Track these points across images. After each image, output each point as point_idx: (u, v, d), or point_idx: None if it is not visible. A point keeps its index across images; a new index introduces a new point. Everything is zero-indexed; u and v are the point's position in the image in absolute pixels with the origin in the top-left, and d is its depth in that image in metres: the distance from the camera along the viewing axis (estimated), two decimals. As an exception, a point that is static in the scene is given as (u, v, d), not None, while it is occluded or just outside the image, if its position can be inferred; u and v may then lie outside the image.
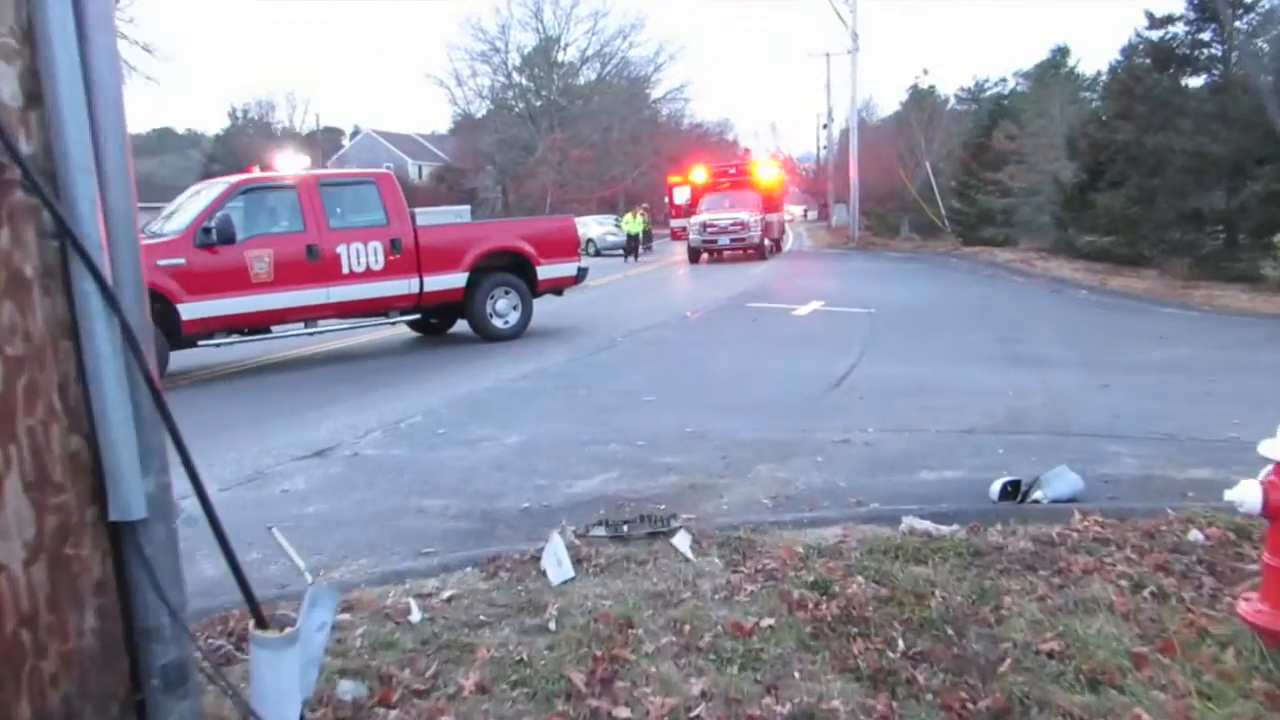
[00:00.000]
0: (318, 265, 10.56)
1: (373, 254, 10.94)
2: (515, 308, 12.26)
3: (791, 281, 20.85)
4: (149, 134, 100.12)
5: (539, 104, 62.05)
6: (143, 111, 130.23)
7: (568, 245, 12.75)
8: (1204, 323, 13.52)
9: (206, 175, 73.67)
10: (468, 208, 14.43)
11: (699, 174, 33.95)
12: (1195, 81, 21.41)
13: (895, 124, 47.80)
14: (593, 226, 37.39)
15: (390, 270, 11.08)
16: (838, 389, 8.43)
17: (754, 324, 13.32)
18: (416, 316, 11.72)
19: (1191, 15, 20.50)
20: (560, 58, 62.98)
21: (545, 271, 12.40)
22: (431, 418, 7.42)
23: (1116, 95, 23.49)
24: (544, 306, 13.08)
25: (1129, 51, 24.40)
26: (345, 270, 10.75)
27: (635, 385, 8.60)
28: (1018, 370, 9.38)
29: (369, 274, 10.92)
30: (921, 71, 49.87)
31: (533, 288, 12.41)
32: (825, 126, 69.13)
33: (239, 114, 74.98)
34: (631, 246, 33.31)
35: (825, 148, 71.90)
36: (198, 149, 76.84)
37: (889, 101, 66.88)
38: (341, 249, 10.73)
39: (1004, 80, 35.58)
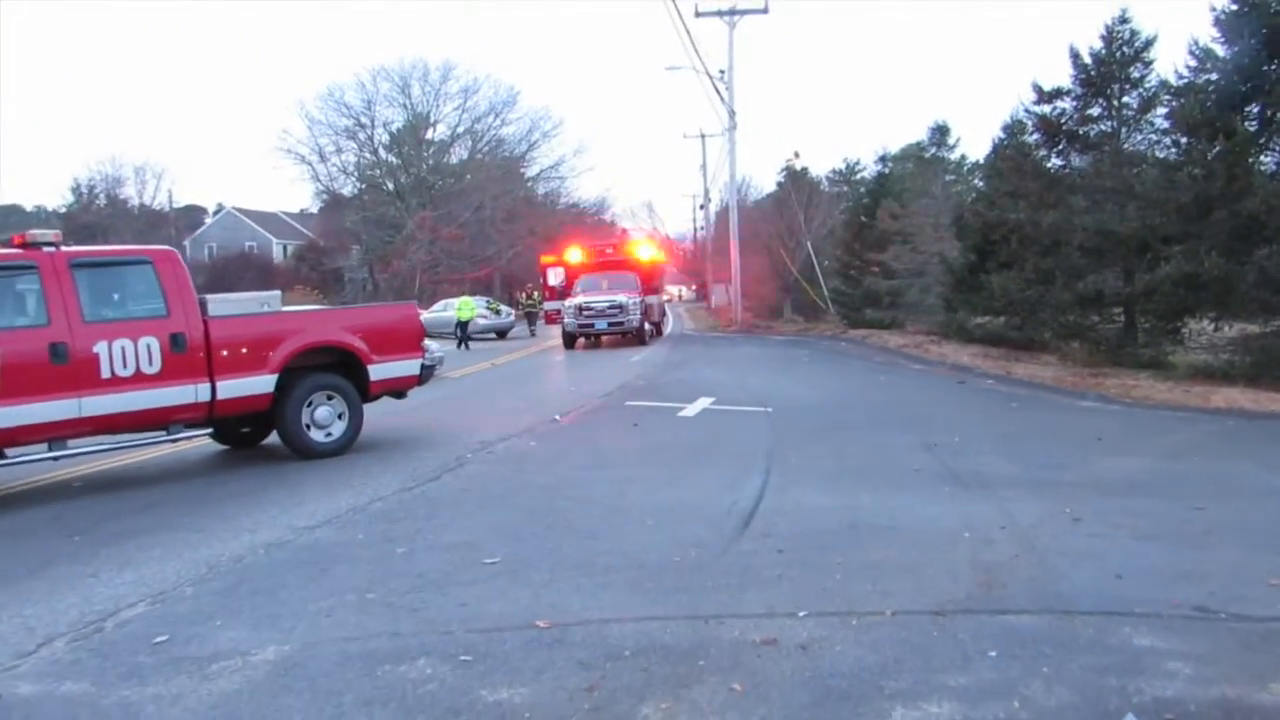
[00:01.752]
0: (66, 369, 8.07)
1: (145, 353, 8.50)
2: (341, 416, 9.91)
3: (676, 372, 18.93)
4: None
5: (407, 181, 59.74)
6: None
7: (408, 338, 10.49)
8: (1134, 420, 12.08)
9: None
10: (278, 293, 11.90)
11: (574, 254, 32.13)
12: (1083, 159, 20.69)
13: (773, 204, 47.21)
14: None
15: (170, 373, 8.64)
16: (747, 533, 6.37)
17: (635, 430, 11.25)
18: (207, 431, 9.23)
19: (1079, 90, 19.79)
20: (430, 135, 61.00)
21: (379, 371, 10.10)
22: (160, 607, 5.03)
23: (1004, 173, 22.69)
24: (386, 407, 10.79)
25: (1011, 128, 23.79)
26: (106, 374, 8.28)
27: (477, 534, 6.36)
28: (963, 494, 7.53)
29: (139, 379, 8.47)
30: (793, 154, 49.80)
31: (363, 392, 10.09)
32: (702, 207, 69.34)
33: (83, 189, 70.09)
34: (461, 334, 31.16)
35: (702, 228, 71.87)
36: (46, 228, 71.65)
37: (766, 182, 67.01)
38: (101, 347, 8.26)
39: (883, 159, 34.91)
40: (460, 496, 7.65)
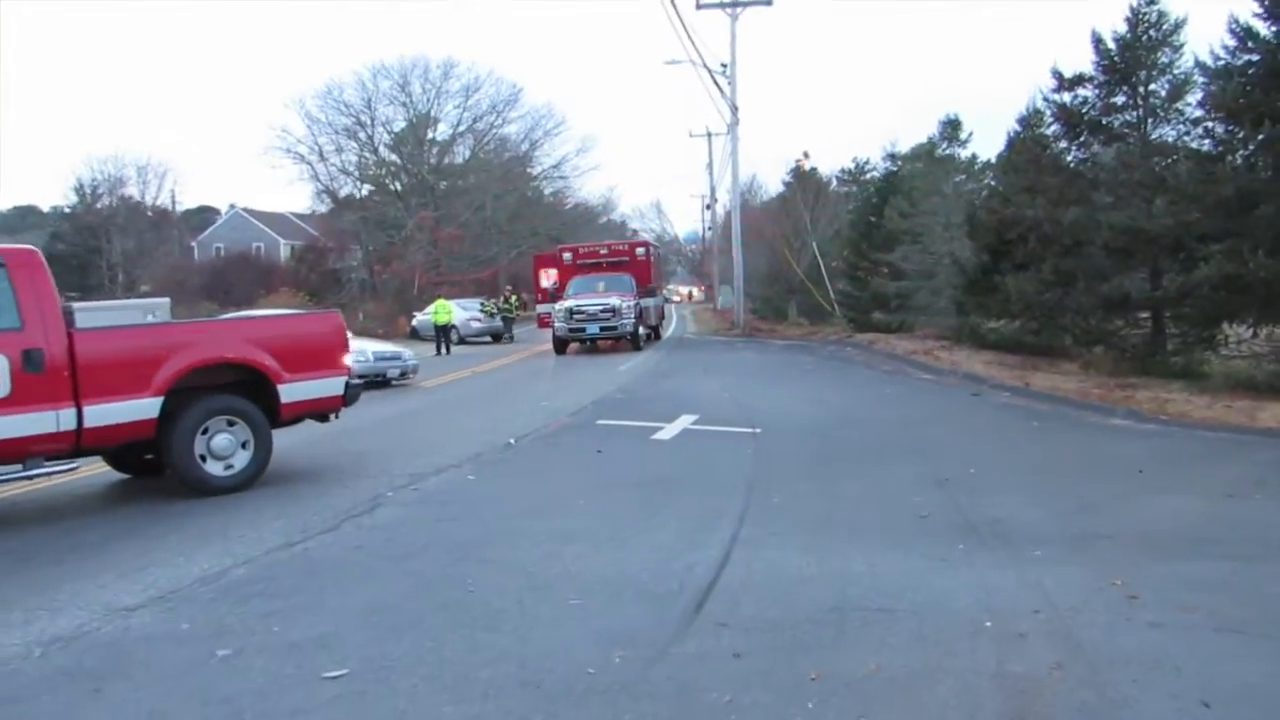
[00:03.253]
0: (-118, 395, 6.58)
1: (-11, 374, 7.02)
2: (245, 445, 8.40)
3: (663, 383, 17.37)
4: (10, 211, 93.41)
5: (408, 181, 58.35)
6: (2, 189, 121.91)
7: (329, 352, 8.97)
8: (1174, 444, 10.49)
9: (50, 255, 68.16)
10: (166, 300, 10.52)
11: (567, 254, 30.60)
12: (1106, 151, 19.05)
13: (780, 204, 45.51)
14: (457, 312, 33.65)
15: (22, 398, 7.16)
16: (698, 619, 4.83)
17: (596, 459, 9.69)
18: (73, 466, 7.70)
19: (1102, 77, 18.15)
20: (432, 134, 59.56)
21: (292, 392, 8.59)
22: None
23: (1019, 167, 21.05)
24: (323, 428, 9.35)
25: (1027, 120, 22.14)
26: (-64, 400, 6.80)
27: (342, 623, 4.84)
28: (981, 553, 5.98)
29: (-19, 405, 6.98)
30: (802, 154, 48.10)
31: (273, 416, 8.58)
32: (709, 206, 67.57)
33: (86, 189, 68.87)
34: (440, 339, 29.69)
35: (710, 228, 70.17)
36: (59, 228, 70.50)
37: (774, 182, 65.28)
38: (-71, 368, 6.78)
39: (892, 156, 33.22)
40: (349, 557, 6.11)
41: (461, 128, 59.79)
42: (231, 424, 8.31)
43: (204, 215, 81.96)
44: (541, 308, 30.36)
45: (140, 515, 7.52)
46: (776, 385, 16.64)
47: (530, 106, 64.48)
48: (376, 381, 18.13)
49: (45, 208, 76.74)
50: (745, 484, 8.26)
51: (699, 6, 33.69)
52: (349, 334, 20.66)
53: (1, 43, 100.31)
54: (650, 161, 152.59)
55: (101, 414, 7.53)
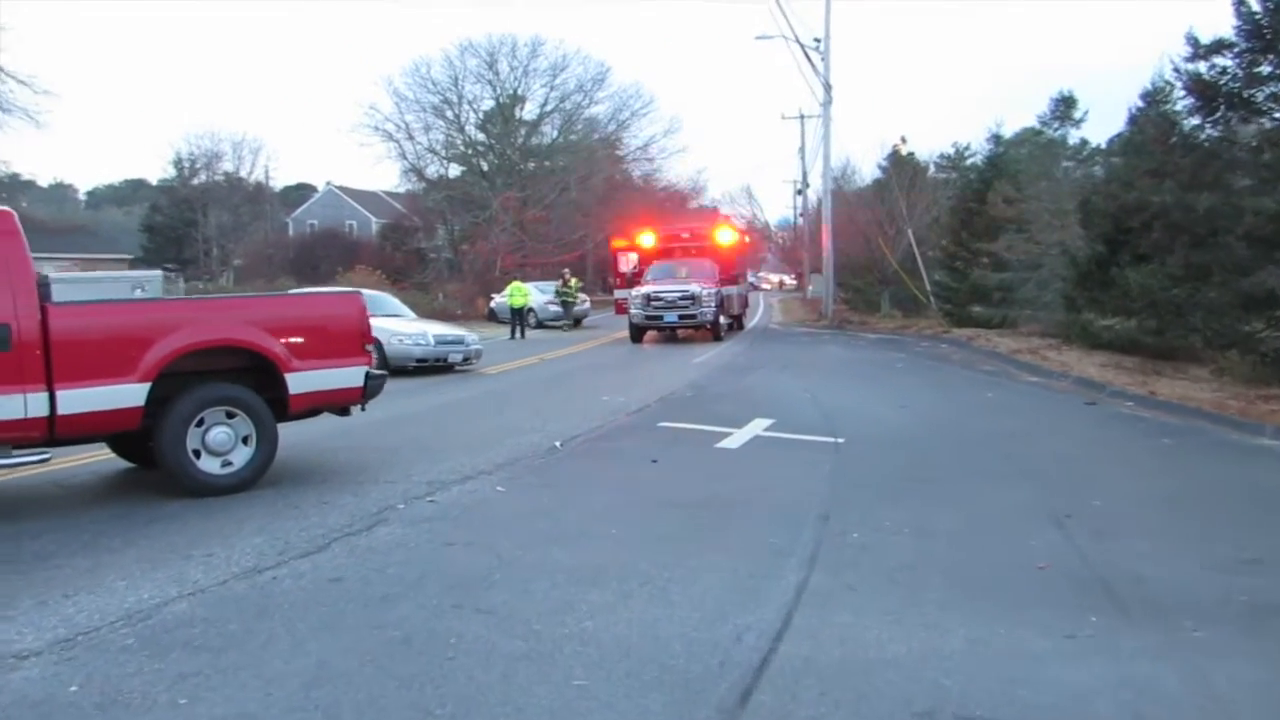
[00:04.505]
0: None
1: (-55, 353, 6.09)
2: (246, 440, 7.37)
3: (739, 379, 16.01)
4: (122, 184, 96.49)
5: (494, 161, 57.74)
6: (115, 161, 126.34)
7: (346, 338, 7.87)
8: (1343, 473, 8.80)
9: (149, 227, 69.62)
10: (158, 273, 9.70)
11: (647, 238, 29.35)
12: (1248, 129, 16.99)
13: (874, 189, 43.44)
14: (534, 295, 32.73)
15: (-17, 381, 6.22)
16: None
17: (649, 471, 8.42)
18: (44, 456, 6.74)
19: (1243, 44, 16.08)
20: (519, 113, 58.78)
21: (303, 381, 7.54)
22: None
23: (1143, 148, 19.05)
24: (358, 417, 8.35)
25: (1152, 95, 20.09)
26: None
27: (270, 699, 3.68)
28: (1123, 629, 4.58)
29: (-66, 388, 6.06)
30: (900, 139, 45.90)
31: (280, 408, 7.55)
32: (800, 192, 65.64)
33: (184, 163, 70.19)
34: (515, 323, 28.71)
35: (801, 214, 68.19)
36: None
37: (868, 166, 62.91)
38: None
39: (996, 138, 31.06)
40: (319, 595, 4.97)
41: (549, 107, 58.95)
42: (231, 416, 7.30)
43: (301, 192, 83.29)
44: (619, 293, 29.16)
45: (110, 521, 6.52)
46: (864, 385, 15.15)
47: (618, 86, 63.56)
48: (438, 366, 17.21)
49: (154, 181, 78.46)
50: (819, 510, 6.92)
51: (795, -21, 32.01)
52: (413, 314, 19.98)
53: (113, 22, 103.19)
54: (740, 145, 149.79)
55: (78, 399, 6.57)
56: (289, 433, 9.02)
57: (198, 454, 7.15)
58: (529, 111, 59.58)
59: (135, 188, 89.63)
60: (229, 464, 7.28)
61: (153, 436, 7.06)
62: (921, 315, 32.72)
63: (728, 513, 6.83)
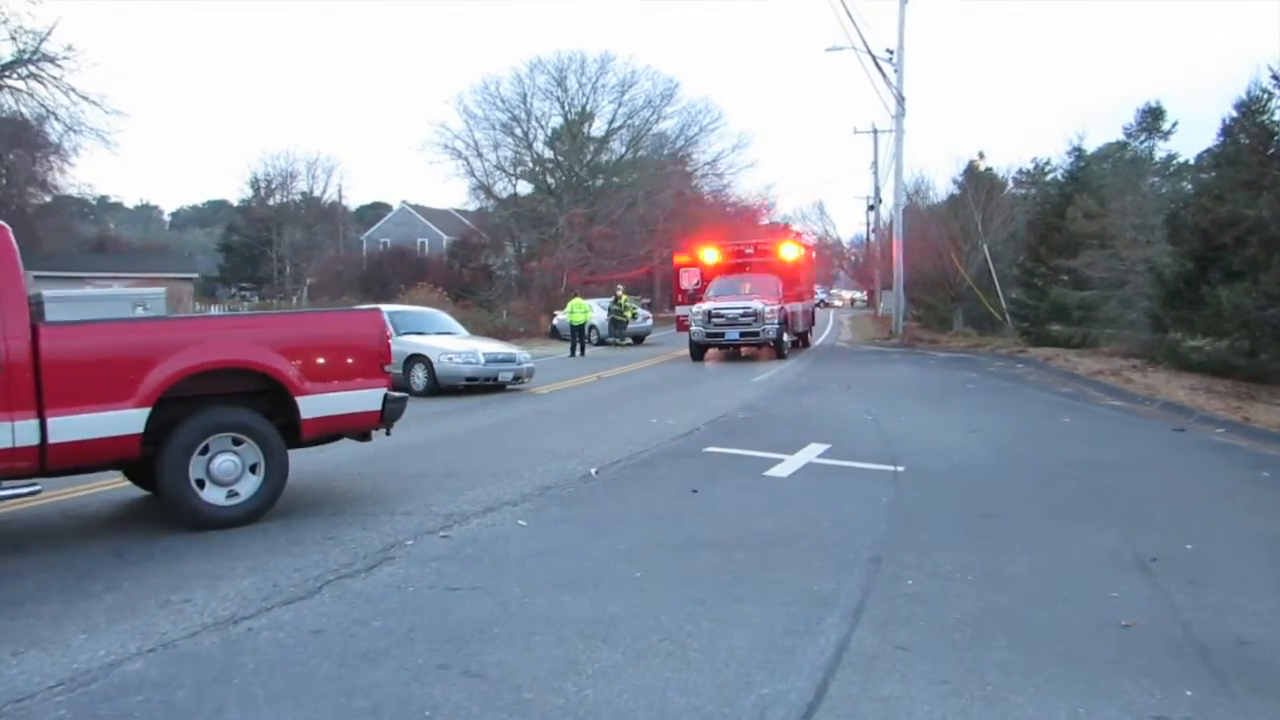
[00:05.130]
0: None
1: (-75, 376, 5.73)
2: (254, 469, 6.92)
3: (798, 400, 15.24)
4: (205, 205, 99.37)
5: (562, 177, 57.69)
6: (198, 182, 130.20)
7: (363, 359, 7.39)
8: None
9: (226, 247, 71.18)
10: (162, 290, 9.19)
11: (709, 253, 28.69)
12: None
13: (948, 204, 42.13)
14: (595, 310, 32.30)
15: (-33, 405, 5.85)
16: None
17: (688, 502, 7.76)
18: (33, 488, 6.34)
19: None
20: (587, 129, 58.70)
21: (316, 405, 7.07)
22: None
23: (1238, 160, 17.87)
24: (389, 439, 7.90)
25: (1247, 105, 18.85)
26: None
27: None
28: (1219, 702, 3.84)
29: (-85, 415, 5.71)
30: (978, 155, 44.44)
31: (292, 434, 7.08)
32: (872, 208, 64.23)
33: (260, 183, 71.75)
34: (575, 340, 28.22)
35: (873, 230, 66.84)
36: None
37: (942, 181, 61.28)
38: None
39: (1078, 151, 29.71)
40: (292, 651, 4.42)
41: (617, 123, 58.82)
42: (238, 443, 6.85)
43: (376, 211, 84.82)
44: (680, 309, 28.53)
45: (103, 558, 6.09)
46: (931, 408, 14.28)
47: (687, 101, 62.94)
48: (488, 385, 16.79)
49: (235, 201, 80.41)
50: (871, 551, 6.20)
51: (864, -12, 31.20)
52: (466, 332, 19.61)
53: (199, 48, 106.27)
54: (811, 159, 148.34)
55: (71, 427, 6.17)
56: (310, 459, 8.63)
57: (201, 484, 6.71)
58: (597, 128, 59.58)
59: (217, 208, 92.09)
60: (235, 494, 6.83)
61: (151, 467, 6.64)
62: (996, 334, 31.49)
63: (767, 553, 6.14)
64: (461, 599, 5.20)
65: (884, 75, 31.63)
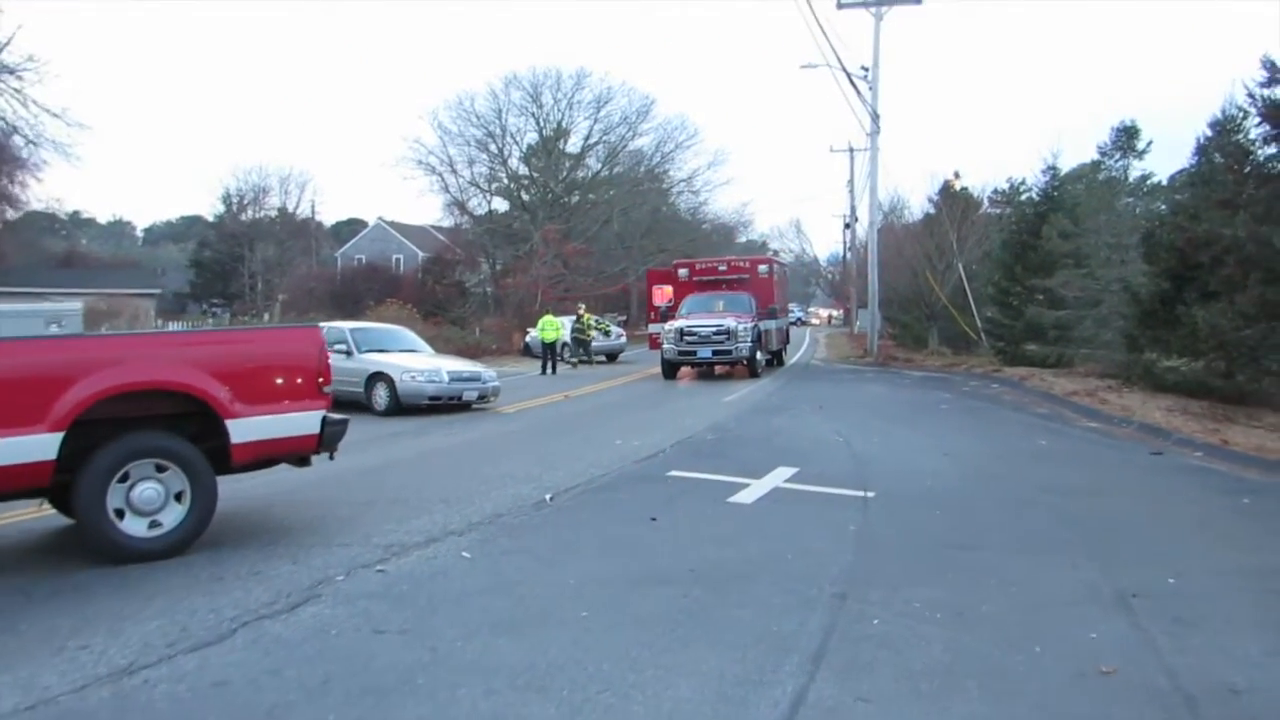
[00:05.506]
0: None
1: None
2: (179, 497, 6.46)
3: (768, 420, 14.86)
4: (178, 220, 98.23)
5: (536, 194, 57.34)
6: (172, 198, 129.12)
7: (299, 379, 6.96)
8: None
9: (197, 263, 70.35)
10: (78, 305, 8.78)
11: (683, 270, 28.36)
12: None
13: (923, 223, 42.02)
14: (568, 327, 31.84)
15: None
16: None
17: (644, 532, 7.34)
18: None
19: (1322, 67, 14.83)
20: (563, 146, 58.42)
21: (247, 428, 6.62)
22: None
23: (1213, 179, 17.74)
24: (341, 462, 7.39)
25: (1222, 124, 18.73)
26: None
27: None
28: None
29: None
30: (953, 174, 44.42)
31: (221, 459, 6.63)
32: (848, 226, 64.24)
33: (232, 199, 71.15)
34: (546, 357, 27.83)
35: (850, 248, 66.82)
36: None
37: (918, 200, 61.28)
38: None
39: (1052, 169, 29.60)
40: (186, 710, 3.97)
41: (593, 140, 58.55)
42: (161, 470, 6.39)
43: (352, 227, 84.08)
44: (653, 327, 28.13)
45: (6, 597, 5.62)
46: (904, 429, 13.94)
47: (663, 118, 63.12)
48: (452, 405, 16.33)
49: (210, 217, 79.71)
50: (836, 586, 5.82)
51: (840, 5, 31.08)
52: (431, 350, 19.13)
53: (171, 64, 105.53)
54: (788, 177, 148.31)
55: (-24, 453, 5.70)
56: (251, 484, 8.18)
57: (121, 514, 6.24)
58: (573, 144, 59.30)
59: (191, 224, 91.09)
60: (158, 525, 6.36)
61: (68, 494, 6.18)
62: (971, 353, 31.30)
63: (725, 589, 5.74)
64: (387, 643, 4.76)
65: (859, 93, 31.48)
